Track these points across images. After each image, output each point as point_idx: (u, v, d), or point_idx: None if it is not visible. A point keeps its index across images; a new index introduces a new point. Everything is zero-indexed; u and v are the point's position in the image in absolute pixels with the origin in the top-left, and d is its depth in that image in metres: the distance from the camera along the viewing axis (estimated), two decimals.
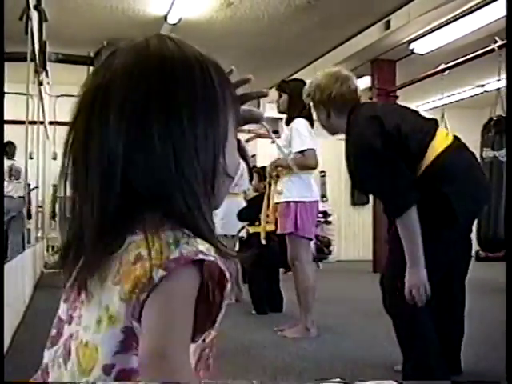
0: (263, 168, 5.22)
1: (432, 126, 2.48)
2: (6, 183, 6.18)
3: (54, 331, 0.74)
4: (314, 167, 3.77)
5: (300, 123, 3.76)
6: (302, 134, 3.70)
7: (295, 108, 3.84)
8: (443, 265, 2.46)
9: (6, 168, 6.32)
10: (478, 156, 5.57)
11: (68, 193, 0.71)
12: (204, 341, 0.70)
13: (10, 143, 6.49)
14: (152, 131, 0.65)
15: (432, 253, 2.31)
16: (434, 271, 2.34)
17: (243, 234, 4.97)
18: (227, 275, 0.66)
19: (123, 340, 0.65)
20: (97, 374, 0.65)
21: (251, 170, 5.16)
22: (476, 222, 2.90)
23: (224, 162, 0.70)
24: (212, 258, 0.65)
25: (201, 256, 0.64)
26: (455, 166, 2.39)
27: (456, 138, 2.46)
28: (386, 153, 2.33)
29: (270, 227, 4.54)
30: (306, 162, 3.70)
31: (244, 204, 5.01)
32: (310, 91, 2.76)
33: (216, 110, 0.69)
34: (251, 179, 5.30)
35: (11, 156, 6.65)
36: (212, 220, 0.69)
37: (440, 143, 2.39)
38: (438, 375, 2.35)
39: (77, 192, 0.69)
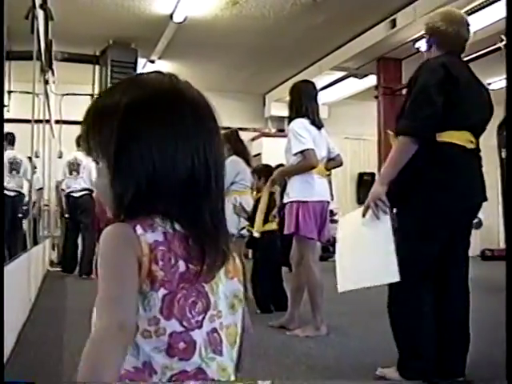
0: (267, 166, 5.19)
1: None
2: (7, 178, 5.80)
3: (182, 345, 0.81)
4: (315, 166, 3.72)
5: (297, 123, 3.75)
6: (298, 134, 3.69)
7: (294, 109, 3.87)
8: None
9: (6, 161, 5.85)
10: (497, 156, 5.47)
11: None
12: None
13: (8, 133, 5.98)
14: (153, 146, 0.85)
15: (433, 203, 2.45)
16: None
17: (244, 232, 4.94)
18: None
19: None
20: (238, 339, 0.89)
21: (254, 169, 5.11)
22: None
23: None
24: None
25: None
26: (457, 165, 2.52)
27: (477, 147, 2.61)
28: (435, 87, 2.60)
29: (271, 226, 4.57)
30: (306, 163, 3.69)
31: (243, 202, 4.95)
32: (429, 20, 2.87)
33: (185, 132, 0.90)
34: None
35: (11, 144, 6.10)
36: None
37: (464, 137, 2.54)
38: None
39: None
